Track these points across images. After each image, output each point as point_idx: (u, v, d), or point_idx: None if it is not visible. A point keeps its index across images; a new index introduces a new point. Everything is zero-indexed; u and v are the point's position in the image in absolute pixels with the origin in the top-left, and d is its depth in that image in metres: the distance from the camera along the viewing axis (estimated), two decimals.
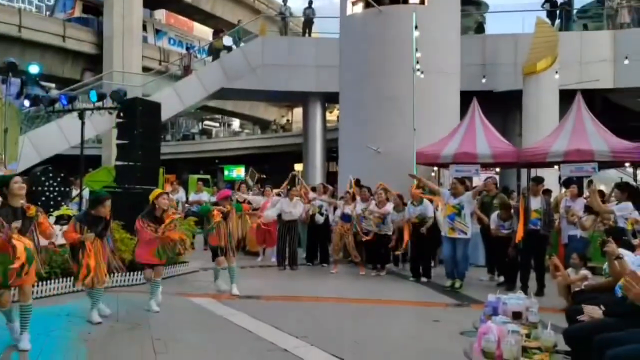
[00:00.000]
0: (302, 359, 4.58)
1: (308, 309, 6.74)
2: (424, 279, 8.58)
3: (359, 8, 13.23)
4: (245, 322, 5.75)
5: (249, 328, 5.52)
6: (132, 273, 7.51)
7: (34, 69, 9.82)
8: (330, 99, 19.18)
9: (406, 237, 8.69)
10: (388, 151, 11.76)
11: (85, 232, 5.42)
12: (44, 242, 6.60)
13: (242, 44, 19.69)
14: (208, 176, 27.13)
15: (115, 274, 7.39)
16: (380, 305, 6.98)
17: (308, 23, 18.97)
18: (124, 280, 7.52)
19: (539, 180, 7.83)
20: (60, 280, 6.89)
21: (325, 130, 20.56)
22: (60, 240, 7.07)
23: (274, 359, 4.63)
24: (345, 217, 9.37)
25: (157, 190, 6.56)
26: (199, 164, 35.15)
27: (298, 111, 38.81)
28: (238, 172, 39.31)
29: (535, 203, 7.54)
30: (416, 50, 11.41)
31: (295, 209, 9.55)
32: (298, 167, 30.67)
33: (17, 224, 4.55)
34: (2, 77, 9.35)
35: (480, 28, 18.77)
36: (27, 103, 9.62)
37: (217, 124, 45.58)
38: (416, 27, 11.26)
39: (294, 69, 17.84)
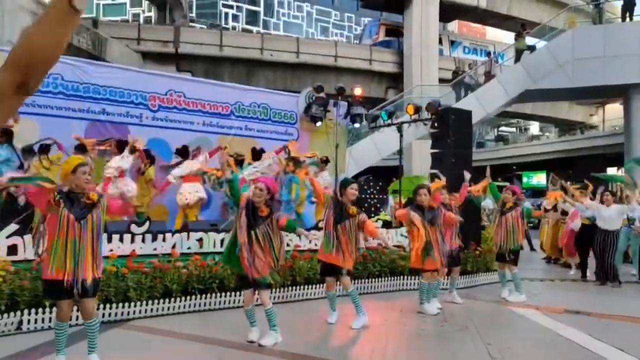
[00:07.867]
0: None
1: None
2: None
3: None
4: (577, 338, 5.31)
5: (582, 344, 5.08)
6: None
7: (357, 91, 11.20)
8: None
9: None
10: None
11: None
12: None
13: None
14: (507, 183, 26.23)
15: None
16: None
17: (628, 6, 16.48)
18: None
19: None
20: (389, 277, 7.66)
21: None
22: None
23: None
24: None
25: None
26: (496, 171, 34.29)
27: (610, 108, 34.20)
28: (538, 178, 36.94)
29: None
30: None
31: (611, 212, 8.49)
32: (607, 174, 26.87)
33: None
34: (333, 100, 11.02)
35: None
36: (355, 123, 10.95)
37: (513, 129, 43.80)
38: None
39: (611, 60, 15.82)
